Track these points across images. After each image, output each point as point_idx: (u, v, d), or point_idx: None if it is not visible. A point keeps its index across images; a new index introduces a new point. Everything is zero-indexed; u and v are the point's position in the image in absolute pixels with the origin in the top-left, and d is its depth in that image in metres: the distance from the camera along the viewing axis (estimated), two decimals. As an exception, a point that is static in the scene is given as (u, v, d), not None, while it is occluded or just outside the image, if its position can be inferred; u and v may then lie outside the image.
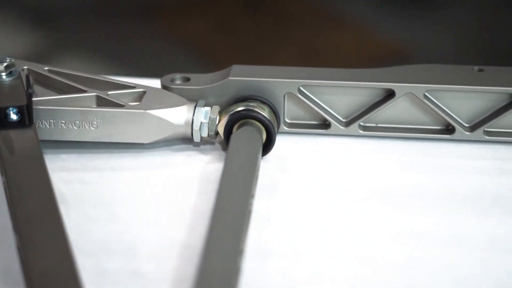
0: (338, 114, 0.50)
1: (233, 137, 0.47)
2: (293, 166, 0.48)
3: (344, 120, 0.50)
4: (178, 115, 0.48)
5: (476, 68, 0.50)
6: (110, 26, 1.42)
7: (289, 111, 0.50)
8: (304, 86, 0.49)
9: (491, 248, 0.41)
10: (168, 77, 0.51)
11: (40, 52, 1.34)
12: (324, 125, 0.50)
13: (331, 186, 0.46)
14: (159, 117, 0.47)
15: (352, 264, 0.40)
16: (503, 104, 0.49)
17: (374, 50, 1.41)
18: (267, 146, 0.48)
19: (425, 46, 1.43)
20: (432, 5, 1.53)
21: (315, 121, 0.50)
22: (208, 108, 0.48)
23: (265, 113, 0.48)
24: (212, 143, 0.49)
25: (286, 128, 0.50)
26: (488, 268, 0.40)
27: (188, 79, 0.50)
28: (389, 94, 0.49)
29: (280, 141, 0.50)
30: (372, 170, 0.48)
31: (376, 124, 0.50)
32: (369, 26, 1.46)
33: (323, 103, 0.50)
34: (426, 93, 0.49)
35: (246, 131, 0.47)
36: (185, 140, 0.49)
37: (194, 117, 0.48)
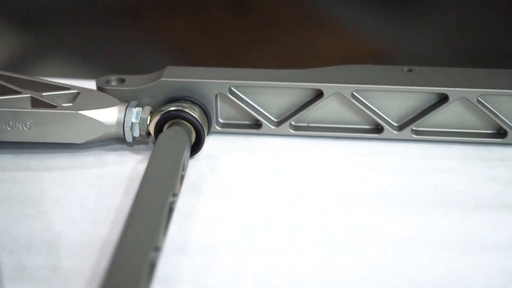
0: (269, 114, 0.51)
1: (160, 137, 0.48)
2: (223, 165, 0.49)
3: (275, 120, 0.51)
4: (109, 116, 0.49)
5: (405, 68, 0.51)
6: (94, 28, 1.43)
7: (222, 111, 0.51)
8: (235, 86, 0.50)
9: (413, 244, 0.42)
10: (104, 78, 0.52)
11: (13, 56, 1.34)
12: (256, 125, 0.51)
13: (259, 185, 0.47)
14: (90, 118, 0.48)
15: (267, 260, 0.41)
16: (430, 103, 0.50)
17: (358, 52, 1.42)
18: (197, 145, 0.49)
19: (407, 47, 1.44)
20: (415, 8, 1.54)
21: (247, 121, 0.51)
22: (139, 109, 0.49)
23: (195, 113, 0.49)
24: (146, 143, 0.50)
25: (219, 128, 0.51)
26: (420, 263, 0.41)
27: (123, 80, 0.51)
28: (318, 94, 0.50)
29: (213, 140, 0.51)
30: (301, 169, 0.48)
31: (307, 123, 0.51)
32: (352, 28, 1.47)
33: (255, 103, 0.51)
34: (354, 93, 0.50)
35: (173, 131, 0.48)
36: (119, 140, 0.50)
37: (125, 118, 0.49)
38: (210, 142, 0.51)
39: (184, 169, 0.46)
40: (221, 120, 0.51)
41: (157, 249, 0.40)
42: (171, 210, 0.43)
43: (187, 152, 0.47)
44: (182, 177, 0.46)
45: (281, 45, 1.41)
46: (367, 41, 1.45)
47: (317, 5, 1.51)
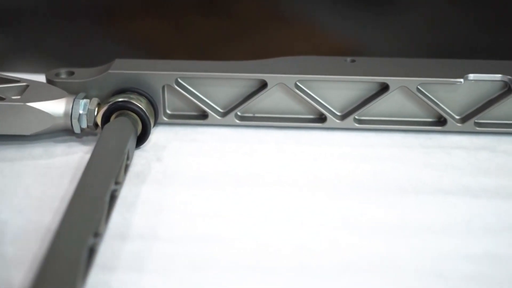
0: (215, 104, 0.52)
1: (105, 127, 0.49)
2: (168, 155, 0.50)
3: (222, 110, 0.52)
4: (57, 107, 0.50)
5: (348, 59, 0.52)
6: (63, 27, 1.43)
7: (170, 102, 0.52)
8: (182, 78, 0.51)
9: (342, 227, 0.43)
10: (53, 71, 0.52)
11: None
12: (203, 115, 0.52)
13: (203, 174, 0.48)
14: (38, 109, 0.49)
15: (206, 246, 0.42)
16: (372, 93, 0.51)
17: (327, 48, 1.43)
18: (143, 136, 0.50)
19: (377, 44, 1.45)
20: (386, 4, 1.55)
21: (194, 112, 0.52)
22: (87, 100, 0.50)
23: (141, 104, 0.50)
24: (94, 134, 0.51)
25: (166, 119, 0.52)
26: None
27: (72, 73, 0.52)
28: (263, 85, 0.51)
29: (160, 131, 0.52)
30: (245, 159, 0.49)
31: (253, 114, 0.52)
32: (323, 26, 1.48)
33: (201, 95, 0.52)
34: (297, 83, 0.51)
35: (118, 121, 0.49)
36: (68, 132, 0.51)
37: (73, 109, 0.50)
38: (158, 133, 0.52)
39: (129, 158, 0.47)
40: (168, 111, 0.52)
41: (98, 235, 0.41)
42: (113, 197, 0.44)
43: (131, 142, 0.48)
44: (127, 166, 0.47)
45: (252, 43, 1.42)
46: (337, 38, 1.46)
47: (287, 3, 1.52)
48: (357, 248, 0.42)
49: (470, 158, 0.49)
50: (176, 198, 0.46)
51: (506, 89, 0.50)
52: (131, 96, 0.50)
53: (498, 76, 0.50)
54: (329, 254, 0.42)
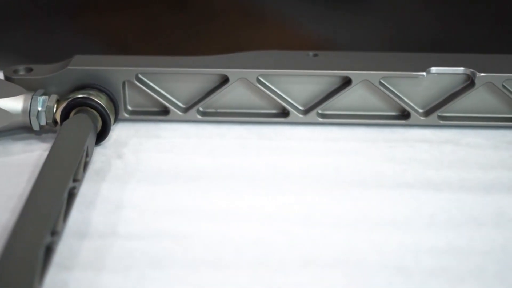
0: (177, 100, 0.51)
1: (63, 124, 0.48)
2: (129, 152, 0.49)
3: (183, 106, 0.52)
4: (15, 105, 0.49)
5: (311, 53, 0.52)
6: (23, 22, 1.41)
7: (131, 98, 0.51)
8: (143, 73, 0.51)
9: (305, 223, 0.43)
10: (11, 68, 0.52)
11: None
12: (165, 111, 0.52)
13: (163, 170, 0.47)
14: (-5, 107, 0.48)
15: (164, 243, 0.42)
16: (335, 87, 0.51)
17: (301, 45, 1.43)
18: (103, 133, 0.49)
19: (346, 39, 1.45)
20: (357, 1, 1.55)
21: (156, 108, 0.52)
22: (45, 97, 0.49)
23: (101, 101, 0.49)
24: (54, 132, 0.50)
25: (127, 116, 0.52)
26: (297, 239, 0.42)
27: (31, 70, 0.51)
28: (225, 80, 0.50)
29: (122, 128, 0.51)
30: (207, 154, 0.49)
31: (216, 109, 0.52)
32: (293, 21, 1.48)
33: (163, 90, 0.51)
34: (259, 78, 0.50)
35: (77, 118, 0.48)
36: (27, 129, 0.50)
37: (31, 106, 0.49)
38: (119, 129, 0.51)
39: (88, 155, 0.47)
40: (130, 108, 0.52)
41: (55, 233, 0.40)
42: (72, 195, 0.43)
43: (91, 138, 0.47)
44: (86, 163, 0.46)
45: (221, 39, 1.41)
46: (307, 33, 1.46)
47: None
48: (318, 243, 0.42)
49: (434, 152, 0.49)
50: (136, 194, 0.45)
51: (469, 82, 0.50)
52: (91, 92, 0.50)
53: (460, 69, 0.50)
54: (290, 249, 0.41)
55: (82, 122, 0.47)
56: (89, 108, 0.49)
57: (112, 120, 0.50)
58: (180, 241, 0.42)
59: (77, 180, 0.44)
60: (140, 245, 0.41)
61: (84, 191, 0.45)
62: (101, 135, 0.49)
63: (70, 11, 1.43)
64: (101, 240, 0.42)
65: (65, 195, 0.42)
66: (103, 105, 0.49)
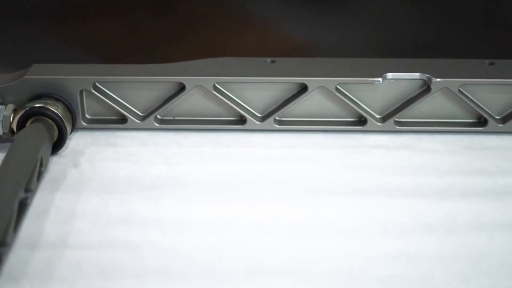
0: (135, 108, 0.51)
1: (18, 134, 0.48)
2: (86, 161, 0.49)
3: (141, 114, 0.52)
4: (-29, 114, 0.49)
5: (269, 59, 0.52)
6: (13, 29, 1.41)
7: (89, 107, 0.51)
8: (100, 82, 0.51)
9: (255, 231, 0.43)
10: (-31, 78, 0.52)
11: None
12: (122, 120, 0.52)
13: (117, 179, 0.47)
14: (-49, 117, 0.48)
15: (115, 253, 0.42)
16: (292, 93, 0.51)
17: (282, 47, 1.43)
18: (60, 142, 0.49)
19: (329, 43, 1.45)
20: (338, 3, 1.55)
21: (114, 116, 0.52)
22: (2, 107, 0.49)
23: (58, 110, 0.49)
24: (12, 141, 0.50)
25: (85, 124, 0.52)
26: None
27: (-12, 79, 0.51)
28: (181, 88, 0.50)
29: (79, 136, 0.51)
30: (163, 162, 0.49)
31: (173, 117, 0.52)
32: (276, 25, 1.48)
33: (120, 98, 0.51)
34: (216, 85, 0.50)
35: (32, 128, 0.48)
36: (-15, 139, 0.50)
37: (-13, 116, 0.49)
38: (76, 138, 0.51)
39: (42, 165, 0.46)
40: (88, 116, 0.52)
41: (3, 244, 0.40)
42: (23, 205, 0.43)
43: (45, 148, 0.47)
44: (40, 173, 0.46)
45: (205, 43, 1.41)
46: (290, 37, 1.46)
47: (240, 3, 1.52)
48: (269, 251, 0.42)
49: (390, 157, 0.49)
50: (89, 204, 0.45)
51: (425, 87, 0.50)
52: (48, 101, 0.50)
53: (416, 75, 0.50)
54: (239, 258, 0.41)
55: (36, 132, 0.47)
56: (45, 118, 0.49)
57: (69, 129, 0.50)
58: (130, 251, 0.42)
59: (30, 190, 0.44)
60: (90, 255, 0.41)
61: (38, 201, 0.45)
62: (58, 144, 0.49)
63: (52, 17, 1.43)
64: (52, 250, 0.42)
65: (16, 205, 0.42)
66: (59, 114, 0.49)
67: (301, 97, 0.50)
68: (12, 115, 0.49)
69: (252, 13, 1.54)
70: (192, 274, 0.40)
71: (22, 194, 0.43)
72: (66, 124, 0.49)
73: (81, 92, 0.51)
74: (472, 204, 0.45)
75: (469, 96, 0.50)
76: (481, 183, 0.46)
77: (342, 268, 0.41)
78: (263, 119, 0.51)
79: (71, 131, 0.50)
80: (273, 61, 0.52)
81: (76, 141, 0.51)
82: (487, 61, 0.51)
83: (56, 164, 0.49)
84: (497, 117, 0.51)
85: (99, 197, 0.46)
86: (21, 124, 0.49)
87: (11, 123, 0.49)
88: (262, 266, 0.41)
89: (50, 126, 0.48)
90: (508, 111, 0.51)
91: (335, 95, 0.50)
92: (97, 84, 0.51)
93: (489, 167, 0.48)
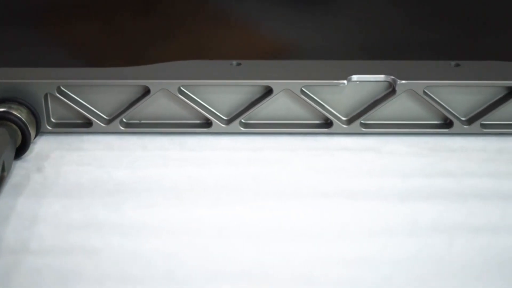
0: (100, 112, 0.51)
1: (-20, 139, 0.48)
2: (50, 165, 0.49)
3: (106, 118, 0.51)
4: None
5: (234, 62, 0.52)
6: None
7: (54, 111, 0.51)
8: (65, 86, 0.50)
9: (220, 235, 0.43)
10: None
11: None
12: (88, 123, 0.51)
13: (80, 183, 0.47)
14: None
15: (75, 259, 0.41)
16: (257, 96, 0.51)
17: (265, 47, 1.43)
18: (24, 147, 0.49)
19: (313, 42, 1.45)
20: (320, 3, 1.55)
21: (79, 120, 0.52)
22: (-35, 112, 0.49)
23: (21, 114, 0.49)
24: (-24, 146, 0.50)
25: (50, 128, 0.51)
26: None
27: (-47, 84, 0.51)
28: (146, 91, 0.50)
29: (45, 141, 0.51)
30: (127, 166, 0.49)
31: (139, 120, 0.52)
32: (257, 25, 1.48)
33: (85, 102, 0.51)
34: (181, 88, 0.50)
35: (-7, 133, 0.48)
36: (-51, 143, 0.50)
37: (-50, 121, 0.49)
38: (41, 142, 0.51)
39: (4, 170, 0.46)
40: (53, 120, 0.52)
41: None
42: (-16, 211, 0.43)
43: (8, 153, 0.47)
44: (3, 178, 0.46)
45: (188, 45, 1.41)
46: (272, 37, 1.46)
47: (221, 3, 1.51)
48: (229, 255, 0.42)
49: (355, 160, 0.49)
50: (51, 209, 0.45)
51: (390, 89, 0.50)
52: (12, 106, 0.49)
53: (381, 77, 0.50)
54: (201, 263, 0.41)
55: (-2, 137, 0.47)
56: (8, 122, 0.49)
57: (33, 133, 0.49)
58: (90, 256, 0.42)
59: (-10, 195, 0.44)
60: (50, 261, 0.41)
61: (0, 206, 0.45)
62: (21, 148, 0.49)
63: (32, 19, 1.42)
64: (12, 256, 0.42)
65: (-25, 211, 0.42)
66: (22, 119, 0.49)
67: (266, 100, 0.50)
68: (-25, 120, 0.49)
69: (236, 13, 1.54)
70: (151, 279, 0.40)
71: (-18, 200, 0.43)
72: (30, 128, 0.49)
73: (45, 96, 0.50)
74: (434, 206, 0.45)
75: (434, 97, 0.50)
76: (444, 185, 0.46)
77: (302, 272, 0.41)
78: (229, 122, 0.51)
79: (36, 136, 0.50)
80: (239, 64, 0.51)
81: (41, 145, 0.51)
82: (453, 63, 0.51)
83: (20, 168, 0.48)
84: (463, 119, 0.51)
85: (61, 202, 0.46)
86: (-17, 129, 0.49)
87: (-26, 128, 0.49)
88: (222, 270, 0.41)
89: (13, 131, 0.48)
90: (474, 113, 0.51)
91: (300, 97, 0.50)
92: (62, 88, 0.50)
93: (453, 169, 0.48)
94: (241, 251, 0.42)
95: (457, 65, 0.51)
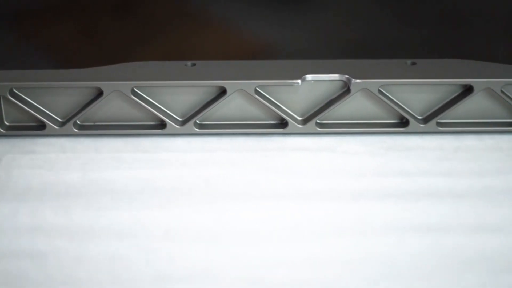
0: (54, 114, 0.51)
1: None
2: (2, 168, 0.48)
3: (60, 120, 0.51)
4: None
5: (189, 63, 0.51)
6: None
7: (7, 113, 0.51)
8: (17, 88, 0.50)
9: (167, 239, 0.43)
10: None
11: None
12: (42, 126, 0.51)
13: (31, 187, 0.47)
14: None
15: (22, 261, 0.41)
16: (212, 97, 0.50)
17: (242, 48, 1.42)
18: (-26, 150, 0.48)
19: (291, 43, 1.44)
20: (299, 3, 1.55)
21: (33, 122, 0.51)
22: None
23: (-27, 117, 0.48)
24: None
25: (4, 131, 0.51)
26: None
27: None
28: (99, 93, 0.50)
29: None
30: (79, 169, 0.48)
31: (94, 122, 0.51)
32: (235, 25, 1.47)
33: (39, 104, 0.50)
34: (135, 89, 0.50)
35: None
36: None
37: None
38: (-6, 146, 0.50)
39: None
40: (6, 123, 0.51)
41: None
42: None
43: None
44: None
45: (164, 46, 1.40)
46: (250, 37, 1.45)
47: (199, 3, 1.51)
48: (177, 257, 0.41)
49: (310, 160, 0.49)
50: (0, 213, 0.44)
51: (345, 88, 0.50)
52: (-36, 108, 0.49)
53: (336, 76, 0.49)
54: (147, 265, 0.41)
55: None
56: (-41, 125, 0.48)
57: (-16, 136, 0.49)
58: (36, 260, 0.41)
59: None
60: (15, 264, 0.41)
61: None
62: (-28, 152, 0.48)
63: (7, 19, 1.42)
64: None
65: None
66: (-27, 121, 0.48)
67: (220, 100, 0.50)
68: None
69: (213, 14, 1.53)
70: (97, 282, 0.40)
71: None
72: (-19, 131, 0.48)
73: (-2, 98, 0.50)
74: (387, 206, 0.44)
75: (390, 96, 0.50)
76: (398, 185, 0.46)
77: (249, 274, 0.40)
78: (183, 123, 0.50)
79: (-12, 139, 0.50)
80: (193, 64, 0.51)
81: (-6, 148, 0.50)
82: (409, 61, 0.51)
83: (-30, 172, 0.48)
84: (419, 118, 0.50)
85: (10, 206, 0.45)
86: None
87: None
88: (168, 272, 0.40)
89: (-36, 134, 0.48)
90: (430, 112, 0.50)
91: (255, 97, 0.49)
92: (15, 90, 0.50)
93: (408, 168, 0.48)
94: (188, 254, 0.41)
95: (414, 63, 0.51)
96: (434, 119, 0.50)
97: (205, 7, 1.49)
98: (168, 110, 0.51)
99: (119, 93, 0.50)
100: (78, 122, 0.51)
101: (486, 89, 0.49)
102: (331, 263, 0.41)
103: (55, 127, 0.51)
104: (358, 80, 0.49)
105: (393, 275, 0.40)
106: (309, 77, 0.49)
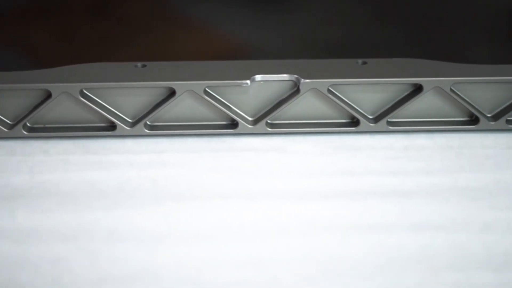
0: (3, 116, 0.50)
1: None
2: None
3: (9, 122, 0.51)
4: None
5: (140, 64, 0.51)
6: None
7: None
8: (-36, 91, 0.50)
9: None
10: None
11: None
12: (-10, 128, 0.51)
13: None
14: None
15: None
16: (161, 98, 0.50)
17: (220, 48, 1.42)
18: None
19: (269, 43, 1.44)
20: (278, 3, 1.55)
21: (-15, 125, 0.51)
22: None
23: None
24: None
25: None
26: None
27: None
28: (49, 95, 0.50)
29: None
30: (27, 171, 0.48)
31: (44, 125, 0.51)
32: (213, 26, 1.47)
33: (-8, 106, 0.50)
34: (84, 91, 0.49)
35: None
36: None
37: None
38: None
39: None
40: (-39, 125, 0.51)
41: None
42: None
43: None
44: None
45: (142, 47, 1.40)
46: (228, 38, 1.45)
47: (177, 4, 1.51)
48: (120, 259, 0.41)
49: (259, 160, 0.49)
50: None
51: (295, 89, 0.50)
52: None
53: (285, 76, 0.49)
54: (89, 267, 0.41)
55: None
56: None
57: None
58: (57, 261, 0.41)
59: None
60: None
61: None
62: None
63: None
64: None
65: None
66: None
67: (169, 101, 0.49)
68: None
69: (192, 15, 1.53)
70: (38, 285, 0.40)
71: None
72: None
73: (-41, 100, 0.50)
74: (332, 205, 0.44)
75: (340, 96, 0.50)
76: (344, 184, 0.46)
77: (190, 275, 0.40)
78: (133, 124, 0.50)
79: None
80: (144, 66, 0.51)
81: None
82: (360, 61, 0.51)
83: None
84: (369, 117, 0.50)
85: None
86: None
87: None
88: (110, 275, 0.40)
89: None
90: (380, 111, 0.50)
91: (204, 98, 0.49)
92: (-37, 93, 0.50)
93: (355, 167, 0.48)
94: (131, 255, 0.41)
95: (364, 63, 0.51)
96: (385, 119, 0.50)
97: (180, 8, 1.49)
98: (118, 111, 0.50)
99: (68, 95, 0.49)
100: (28, 124, 0.51)
101: (436, 88, 0.49)
102: (272, 262, 0.41)
103: (5, 129, 0.50)
104: (307, 80, 0.49)
105: (334, 274, 0.40)
106: (258, 77, 0.49)
